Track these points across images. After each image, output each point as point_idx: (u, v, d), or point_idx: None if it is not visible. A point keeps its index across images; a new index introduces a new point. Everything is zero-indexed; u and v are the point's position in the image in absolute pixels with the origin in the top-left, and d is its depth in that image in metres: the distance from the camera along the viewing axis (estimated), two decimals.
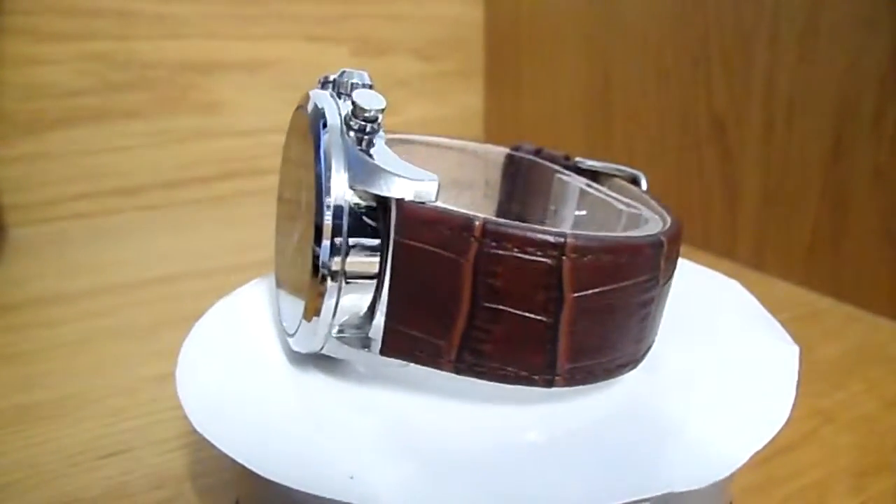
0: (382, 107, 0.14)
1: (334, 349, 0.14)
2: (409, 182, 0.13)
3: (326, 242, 0.13)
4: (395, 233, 0.13)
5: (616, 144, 0.43)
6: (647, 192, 0.18)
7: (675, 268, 0.15)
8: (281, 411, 0.14)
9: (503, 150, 0.21)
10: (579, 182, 0.19)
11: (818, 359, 0.26)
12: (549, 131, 0.49)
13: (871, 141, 0.30)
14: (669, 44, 0.39)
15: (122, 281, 0.34)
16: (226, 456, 0.13)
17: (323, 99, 0.15)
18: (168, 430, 0.21)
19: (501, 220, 0.13)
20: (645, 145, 0.41)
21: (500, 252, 0.13)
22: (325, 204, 0.13)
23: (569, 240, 0.13)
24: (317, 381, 0.15)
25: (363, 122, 0.14)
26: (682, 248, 0.16)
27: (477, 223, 0.13)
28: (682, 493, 0.12)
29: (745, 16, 0.34)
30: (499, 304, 0.13)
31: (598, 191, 0.18)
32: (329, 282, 0.13)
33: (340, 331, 0.14)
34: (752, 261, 0.36)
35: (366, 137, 0.14)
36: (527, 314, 0.13)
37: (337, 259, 0.13)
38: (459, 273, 0.13)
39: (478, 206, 0.22)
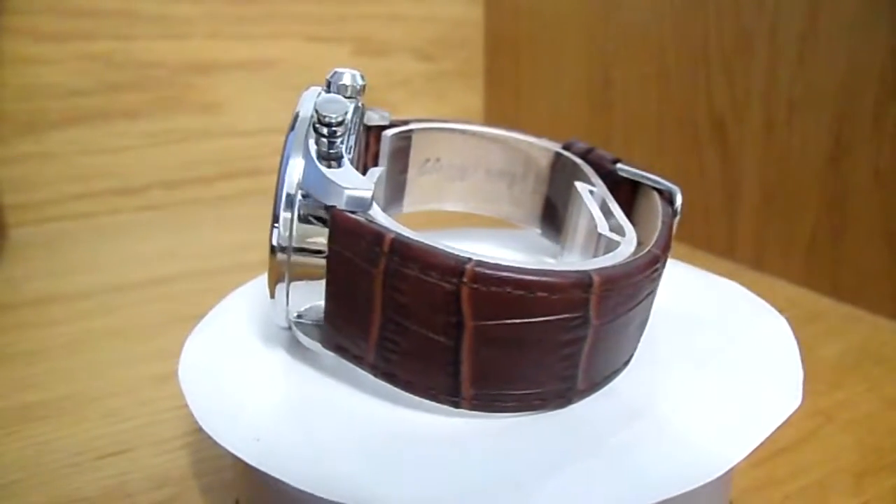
0: (342, 112, 0.14)
1: (296, 333, 0.15)
2: (340, 190, 0.14)
3: (276, 229, 0.14)
4: (329, 238, 0.14)
5: (616, 144, 0.43)
6: (672, 211, 0.17)
7: (628, 307, 0.14)
8: (284, 411, 0.14)
9: (553, 147, 0.21)
10: (588, 199, 0.18)
11: (818, 359, 0.26)
12: (549, 131, 0.49)
13: (871, 141, 0.30)
14: (669, 44, 0.39)
15: (122, 281, 0.34)
16: (230, 455, 0.13)
17: (307, 100, 0.15)
18: (168, 430, 0.22)
19: (411, 239, 0.13)
20: (645, 145, 0.41)
21: (405, 270, 0.13)
22: (278, 198, 0.14)
23: (469, 267, 0.12)
24: (319, 380, 0.15)
25: (325, 128, 0.14)
26: (683, 249, 0.16)
27: (387, 237, 0.13)
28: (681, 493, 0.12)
29: (745, 16, 0.34)
30: (404, 319, 0.13)
31: (601, 208, 0.18)
32: (279, 258, 0.14)
33: (300, 316, 0.15)
34: (752, 261, 0.36)
35: (336, 141, 0.14)
36: (429, 333, 0.13)
37: (284, 247, 0.14)
38: (371, 284, 0.13)
39: (525, 199, 0.22)
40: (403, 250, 0.13)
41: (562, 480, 0.12)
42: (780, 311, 0.18)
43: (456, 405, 0.14)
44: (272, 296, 0.15)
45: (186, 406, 0.14)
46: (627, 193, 0.19)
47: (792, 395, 0.14)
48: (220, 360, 0.16)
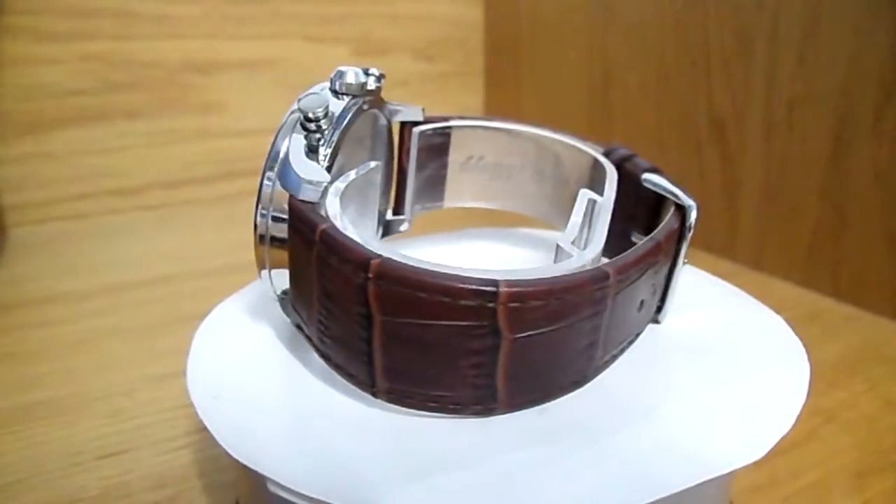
0: (321, 107, 0.15)
1: (280, 309, 0.16)
2: (299, 181, 0.15)
3: (256, 216, 0.15)
4: (288, 224, 0.15)
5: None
6: (679, 228, 0.17)
7: (556, 324, 0.13)
8: (289, 416, 0.14)
9: (593, 152, 0.20)
10: (579, 207, 0.17)
11: (818, 359, 0.26)
12: None
13: (871, 141, 0.30)
14: (669, 44, 0.39)
15: (122, 281, 0.34)
16: (229, 455, 0.13)
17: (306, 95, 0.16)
18: (168, 430, 0.22)
19: (338, 231, 0.14)
20: (645, 145, 0.41)
21: (328, 260, 0.13)
22: (261, 183, 0.15)
23: (375, 263, 0.13)
24: (322, 384, 0.15)
25: (309, 122, 0.15)
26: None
27: (319, 228, 0.14)
28: (677, 493, 0.12)
29: (745, 16, 0.34)
30: (332, 305, 0.14)
31: (590, 218, 0.17)
32: (260, 244, 0.15)
33: (286, 293, 0.16)
34: (752, 261, 0.36)
35: (319, 136, 0.15)
36: (349, 322, 0.14)
37: (263, 230, 0.15)
38: (311, 269, 0.14)
39: (566, 203, 0.21)
40: (329, 241, 0.13)
41: (556, 480, 0.12)
42: (780, 311, 0.18)
43: (374, 395, 0.14)
44: (259, 277, 0.16)
45: (187, 406, 0.14)
46: (653, 205, 0.18)
47: (750, 452, 0.13)
48: (225, 361, 0.16)
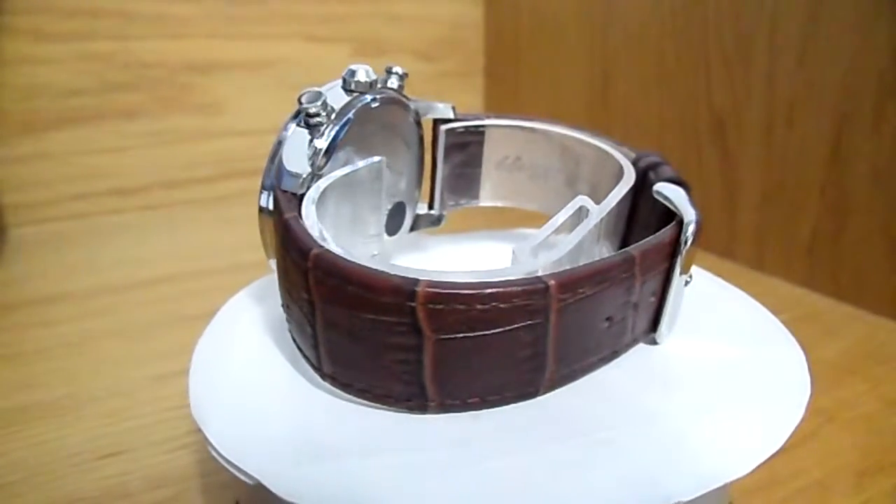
0: (316, 102, 0.16)
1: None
2: (283, 170, 0.16)
3: (259, 203, 0.16)
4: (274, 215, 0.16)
5: None
6: (675, 241, 0.16)
7: (479, 329, 0.13)
8: (256, 393, 0.15)
9: (621, 159, 0.19)
10: (563, 213, 0.17)
11: (818, 359, 0.26)
12: None
13: (871, 141, 0.30)
14: (669, 44, 0.39)
15: (122, 281, 0.34)
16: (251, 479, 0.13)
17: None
18: (168, 430, 0.22)
19: (296, 222, 0.14)
20: (645, 145, 0.41)
21: (286, 248, 0.14)
22: (264, 173, 0.16)
23: (314, 253, 0.13)
24: (291, 367, 0.16)
25: (307, 118, 0.16)
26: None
27: (283, 217, 0.15)
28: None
29: (745, 16, 0.34)
30: (291, 290, 0.15)
31: (574, 221, 0.17)
32: (263, 235, 0.16)
33: None
34: (752, 261, 0.36)
35: (319, 130, 0.16)
36: (300, 307, 0.14)
37: (263, 218, 0.16)
38: (282, 255, 0.15)
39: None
40: (286, 231, 0.14)
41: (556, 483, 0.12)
42: (780, 311, 0.18)
43: (323, 378, 0.15)
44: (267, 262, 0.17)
45: (187, 406, 0.14)
46: (665, 216, 0.17)
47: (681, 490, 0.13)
48: (228, 341, 0.17)
